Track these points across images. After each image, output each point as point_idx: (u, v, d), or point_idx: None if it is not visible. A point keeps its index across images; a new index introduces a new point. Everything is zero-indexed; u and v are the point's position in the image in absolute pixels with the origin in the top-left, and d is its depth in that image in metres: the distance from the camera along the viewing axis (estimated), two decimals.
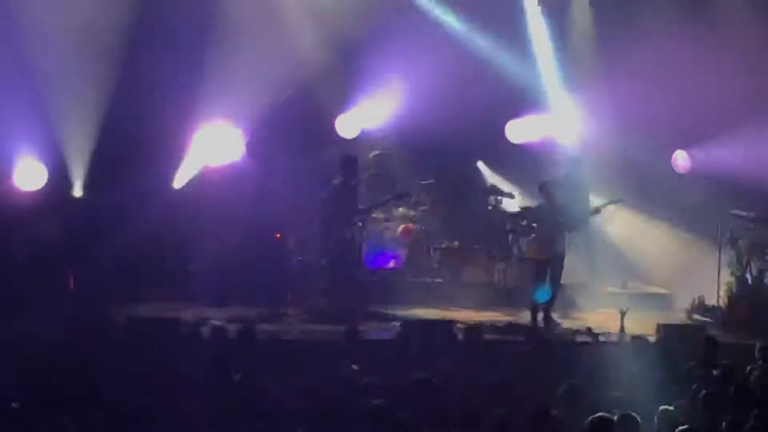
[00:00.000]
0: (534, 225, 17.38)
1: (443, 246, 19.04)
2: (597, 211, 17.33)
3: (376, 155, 19.15)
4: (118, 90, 17.48)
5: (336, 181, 17.12)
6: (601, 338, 15.32)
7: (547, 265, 16.75)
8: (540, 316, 16.52)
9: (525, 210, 18.33)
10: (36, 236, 17.23)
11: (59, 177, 17.72)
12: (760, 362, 12.51)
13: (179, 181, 18.42)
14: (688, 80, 18.55)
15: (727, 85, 18.53)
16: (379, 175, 18.88)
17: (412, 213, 19.07)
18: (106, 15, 17.01)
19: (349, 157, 17.48)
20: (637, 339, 13.84)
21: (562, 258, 16.85)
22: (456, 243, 19.08)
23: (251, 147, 18.51)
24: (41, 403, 10.12)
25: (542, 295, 16.36)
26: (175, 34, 17.53)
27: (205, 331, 14.24)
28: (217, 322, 15.22)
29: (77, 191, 17.91)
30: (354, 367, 11.63)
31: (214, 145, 18.50)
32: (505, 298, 18.12)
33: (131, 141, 17.70)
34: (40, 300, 16.03)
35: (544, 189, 17.00)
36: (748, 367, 12.31)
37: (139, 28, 17.31)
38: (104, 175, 17.76)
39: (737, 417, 9.91)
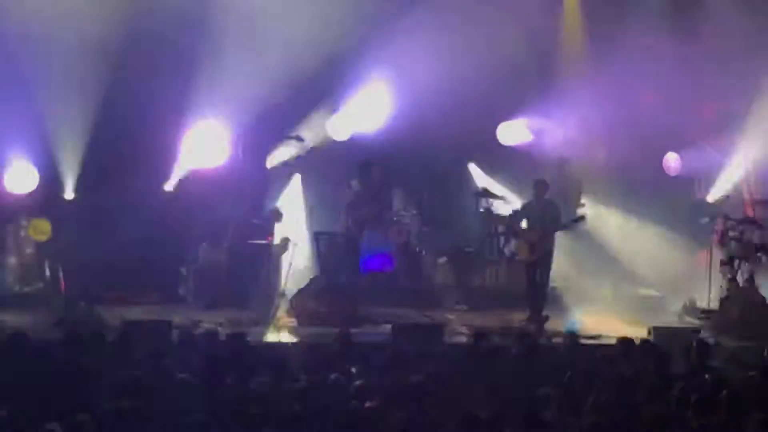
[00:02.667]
0: (523, 225, 17.39)
1: (434, 248, 19.06)
2: (565, 227, 17.36)
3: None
4: (108, 93, 17.46)
5: (355, 186, 17.28)
6: (590, 341, 15.44)
7: (537, 266, 16.84)
8: (532, 318, 16.57)
9: (516, 212, 18.35)
10: (27, 239, 17.24)
11: (50, 179, 17.70)
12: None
13: (170, 183, 18.40)
14: (677, 82, 18.62)
15: (717, 88, 18.59)
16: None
17: (404, 215, 19.09)
18: (96, 19, 16.97)
19: (367, 161, 17.91)
20: (628, 341, 13.81)
21: (550, 257, 16.90)
22: (448, 246, 19.10)
23: (241, 148, 18.52)
24: (31, 409, 10.08)
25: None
26: (165, 37, 17.50)
27: (197, 334, 14.21)
28: (209, 326, 15.24)
29: (68, 194, 17.88)
30: (352, 370, 11.63)
31: (204, 147, 18.47)
32: (496, 300, 18.13)
33: (122, 143, 17.72)
34: (32, 302, 16.02)
35: (535, 187, 17.12)
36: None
37: (129, 31, 17.26)
38: (95, 177, 17.75)
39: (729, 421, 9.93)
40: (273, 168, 19.19)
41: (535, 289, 17.18)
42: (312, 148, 19.31)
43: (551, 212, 17.22)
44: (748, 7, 18.98)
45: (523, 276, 17.67)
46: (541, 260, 17.02)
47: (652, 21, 19.34)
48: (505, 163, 19.92)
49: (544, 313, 16.87)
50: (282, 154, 19.18)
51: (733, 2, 19.19)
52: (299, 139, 18.93)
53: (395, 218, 18.88)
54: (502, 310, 17.44)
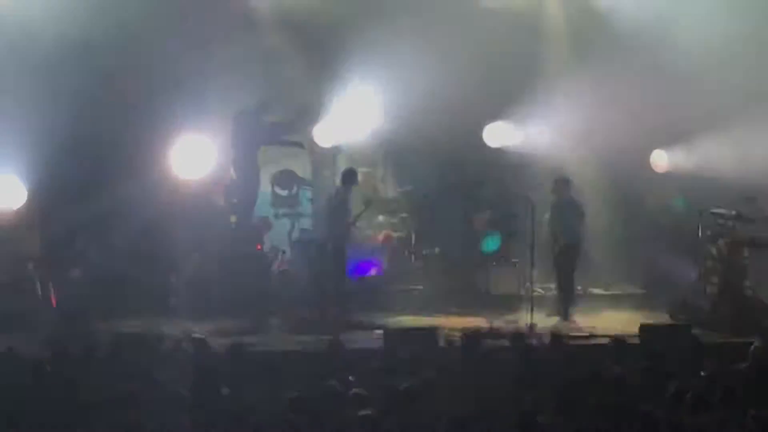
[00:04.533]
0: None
1: (423, 252, 19.06)
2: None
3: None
4: (95, 106, 17.43)
5: (340, 192, 17.27)
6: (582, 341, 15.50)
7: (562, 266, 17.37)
8: (527, 320, 16.61)
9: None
10: (17, 254, 17.19)
11: (39, 194, 17.64)
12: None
13: (159, 194, 18.35)
14: (666, 77, 18.65)
15: (704, 83, 18.62)
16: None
17: (392, 220, 19.09)
18: (84, 31, 16.95)
19: (350, 169, 17.85)
20: (621, 341, 13.82)
21: (575, 256, 17.45)
22: (437, 249, 19.10)
23: (232, 156, 18.53)
24: (25, 425, 10.06)
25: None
26: (151, 48, 17.46)
27: (188, 345, 14.18)
28: (201, 336, 15.19)
29: (56, 208, 17.82)
30: (351, 378, 11.61)
31: (192, 158, 18.44)
32: (487, 303, 18.13)
33: (110, 157, 17.67)
34: (23, 318, 15.97)
35: (556, 184, 17.53)
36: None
37: (117, 44, 17.24)
38: (84, 191, 17.69)
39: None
40: (270, 174, 19.17)
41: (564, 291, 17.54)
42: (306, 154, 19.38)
43: (573, 210, 17.38)
44: None
45: (513, 278, 17.76)
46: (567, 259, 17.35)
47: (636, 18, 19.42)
48: (494, 165, 19.93)
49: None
50: (279, 160, 19.19)
51: None
52: (299, 145, 18.96)
53: (384, 222, 18.88)
54: (493, 314, 17.39)
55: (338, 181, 17.98)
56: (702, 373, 11.66)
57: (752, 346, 12.64)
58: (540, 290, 18.21)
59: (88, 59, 17.11)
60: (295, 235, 18.97)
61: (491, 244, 19.21)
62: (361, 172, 18.71)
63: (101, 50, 17.11)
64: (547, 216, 17.94)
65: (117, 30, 17.18)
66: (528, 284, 17.73)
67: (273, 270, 18.07)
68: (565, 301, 17.59)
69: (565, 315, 17.40)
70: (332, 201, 17.76)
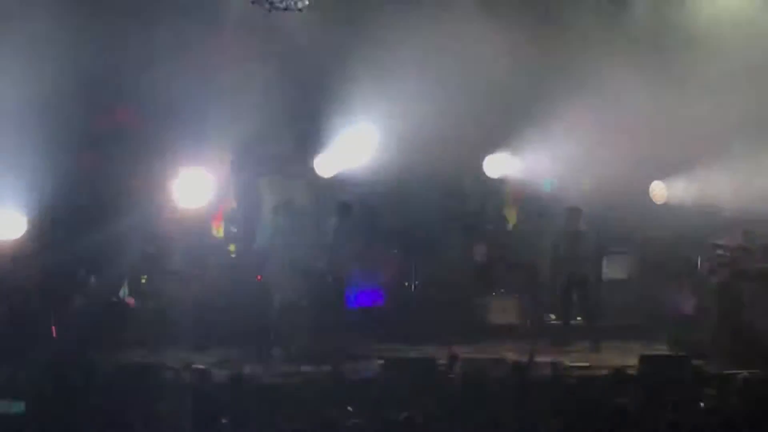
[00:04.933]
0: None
1: (424, 283, 19.08)
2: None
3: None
4: (95, 138, 17.50)
5: (338, 224, 17.29)
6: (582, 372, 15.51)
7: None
8: (525, 351, 16.58)
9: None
10: (17, 285, 17.19)
11: (39, 225, 17.67)
12: None
13: (158, 224, 18.38)
14: (666, 110, 18.75)
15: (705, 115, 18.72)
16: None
17: (392, 250, 19.13)
18: (83, 64, 17.02)
19: (345, 203, 17.92)
20: (621, 372, 13.82)
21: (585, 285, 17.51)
22: (437, 279, 19.12)
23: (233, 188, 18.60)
24: None
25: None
26: (150, 80, 17.52)
27: (189, 375, 14.19)
28: (201, 366, 15.20)
29: (57, 238, 17.85)
30: (349, 408, 11.62)
31: (192, 189, 18.49)
32: (487, 334, 18.13)
33: (111, 187, 17.72)
34: (24, 349, 15.96)
35: (567, 214, 17.65)
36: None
37: (116, 76, 17.31)
38: (83, 221, 17.73)
39: None
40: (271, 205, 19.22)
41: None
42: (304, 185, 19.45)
43: (584, 241, 17.48)
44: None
45: (513, 308, 17.82)
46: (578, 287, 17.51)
47: (636, 48, 19.53)
48: (493, 195, 20.01)
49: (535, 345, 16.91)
50: (279, 190, 19.24)
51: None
52: (295, 175, 19.02)
53: (385, 253, 18.91)
54: (493, 344, 17.39)
55: (336, 212, 17.99)
56: (701, 404, 11.66)
57: (742, 377, 12.65)
58: (542, 321, 18.24)
59: (87, 92, 17.17)
60: (295, 265, 18.96)
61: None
62: (360, 202, 18.80)
63: (100, 83, 17.17)
64: (555, 245, 18.05)
65: (116, 62, 17.23)
66: (529, 314, 17.76)
67: (273, 300, 18.07)
68: (588, 329, 17.82)
69: (594, 346, 17.55)
70: (330, 232, 17.81)
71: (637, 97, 18.78)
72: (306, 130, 19.49)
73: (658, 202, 20.11)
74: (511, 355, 16.49)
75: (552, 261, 18.37)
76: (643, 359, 15.24)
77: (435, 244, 19.69)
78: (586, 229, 18.13)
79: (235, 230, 19.00)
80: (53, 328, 16.87)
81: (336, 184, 19.71)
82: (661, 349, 17.40)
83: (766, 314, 17.24)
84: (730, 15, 19.58)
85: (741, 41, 18.99)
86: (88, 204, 17.82)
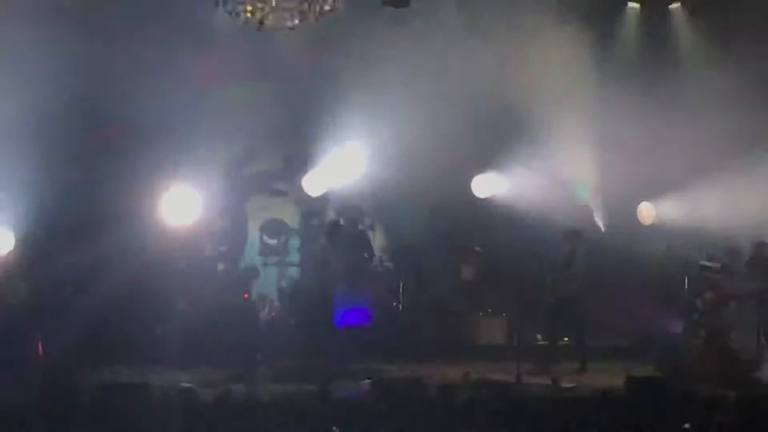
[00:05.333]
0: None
1: (411, 302, 19.09)
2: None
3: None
4: (84, 154, 17.51)
5: (326, 243, 17.35)
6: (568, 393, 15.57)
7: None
8: (514, 371, 16.62)
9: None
10: (2, 302, 17.15)
11: (26, 243, 17.66)
12: None
13: (145, 243, 18.36)
14: (653, 132, 18.85)
15: (692, 136, 18.83)
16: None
17: (380, 269, 19.15)
18: (74, 78, 17.04)
19: (334, 221, 18.02)
20: (608, 392, 13.82)
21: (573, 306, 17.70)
22: (425, 299, 19.15)
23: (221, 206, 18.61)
24: None
25: None
26: (140, 97, 17.52)
27: (176, 394, 14.18)
28: (188, 386, 15.18)
29: (44, 256, 17.84)
30: (334, 428, 11.61)
31: (179, 207, 18.49)
32: (474, 354, 18.13)
33: (98, 206, 17.72)
34: (9, 367, 15.92)
35: (565, 237, 17.77)
36: None
37: (105, 95, 17.31)
38: (70, 239, 17.73)
39: None
40: (259, 223, 19.26)
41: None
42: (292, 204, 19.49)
43: (580, 263, 17.66)
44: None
45: (500, 329, 17.91)
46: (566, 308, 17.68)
47: (622, 69, 19.64)
48: (481, 216, 20.05)
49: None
50: (268, 209, 19.28)
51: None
52: (282, 193, 19.04)
53: (372, 272, 18.92)
54: (481, 364, 17.37)
55: (324, 231, 18.01)
56: (686, 426, 11.67)
57: (728, 398, 12.69)
58: (528, 341, 18.27)
59: (75, 109, 17.18)
60: (283, 284, 19.01)
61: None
62: (348, 221, 18.85)
63: (89, 100, 17.18)
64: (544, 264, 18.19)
65: (104, 79, 17.24)
66: (516, 335, 17.78)
67: (261, 319, 18.06)
68: (579, 351, 17.85)
69: (581, 367, 17.62)
70: (319, 251, 17.84)
71: (624, 116, 18.86)
72: (294, 148, 19.53)
73: (646, 223, 20.18)
74: (497, 375, 16.54)
75: (540, 281, 18.42)
76: (630, 381, 15.28)
77: (423, 263, 19.73)
78: (575, 250, 18.17)
79: (223, 249, 18.97)
80: (39, 346, 16.84)
81: (324, 203, 19.72)
82: (648, 370, 17.44)
83: (752, 335, 17.32)
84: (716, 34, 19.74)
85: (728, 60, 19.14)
86: (74, 221, 17.80)
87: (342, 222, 18.63)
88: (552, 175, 19.59)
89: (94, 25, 17.51)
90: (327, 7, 13.61)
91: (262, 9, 13.44)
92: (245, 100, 17.84)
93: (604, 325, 19.12)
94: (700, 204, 19.32)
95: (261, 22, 13.58)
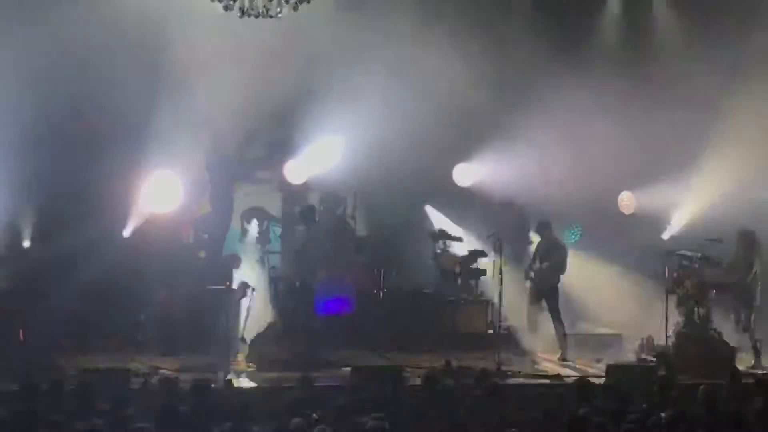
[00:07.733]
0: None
1: (392, 290, 19.12)
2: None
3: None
4: (64, 141, 17.47)
5: (304, 229, 17.30)
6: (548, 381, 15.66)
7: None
8: (495, 358, 16.68)
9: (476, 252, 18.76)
10: None
11: (6, 228, 17.63)
12: None
13: (127, 229, 18.35)
14: (632, 122, 18.93)
15: (671, 128, 18.91)
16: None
17: (361, 257, 19.16)
18: (53, 66, 16.97)
19: (308, 206, 17.92)
20: (587, 380, 13.88)
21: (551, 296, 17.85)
22: (405, 287, 19.18)
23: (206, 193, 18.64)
24: None
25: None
26: (121, 84, 17.48)
27: (156, 382, 14.19)
28: (168, 372, 15.21)
29: (25, 242, 17.83)
30: (314, 416, 11.62)
31: (160, 194, 18.46)
32: (455, 341, 18.17)
33: (78, 191, 17.70)
34: None
35: (537, 228, 18.03)
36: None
37: (86, 79, 17.24)
38: (52, 226, 17.71)
39: None
40: (240, 211, 19.24)
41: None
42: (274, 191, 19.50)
43: (554, 253, 17.86)
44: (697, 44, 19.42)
45: (480, 317, 18.02)
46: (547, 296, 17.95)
47: (604, 61, 19.70)
48: (462, 203, 20.10)
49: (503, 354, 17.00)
50: (249, 196, 19.28)
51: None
52: (264, 181, 19.07)
53: (353, 260, 18.93)
54: (461, 352, 17.40)
55: (304, 219, 17.97)
56: (662, 414, 11.72)
57: (701, 387, 12.75)
58: (508, 328, 18.33)
59: (56, 96, 17.12)
60: (264, 272, 18.98)
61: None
62: (329, 208, 18.88)
63: (70, 86, 17.12)
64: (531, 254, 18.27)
65: (86, 68, 17.18)
66: (496, 322, 17.83)
67: (241, 307, 18.04)
68: (559, 339, 17.90)
69: (563, 355, 17.71)
70: (298, 238, 17.85)
71: (605, 107, 18.92)
72: (276, 136, 19.51)
73: (626, 212, 20.26)
74: (478, 363, 16.58)
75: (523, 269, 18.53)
76: (610, 368, 15.36)
77: (403, 252, 19.76)
78: (555, 239, 18.28)
79: (205, 236, 18.98)
80: (21, 331, 16.82)
81: (305, 190, 19.71)
82: (629, 359, 17.52)
83: (729, 324, 17.42)
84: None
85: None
86: (57, 208, 17.78)
87: (323, 209, 18.66)
88: (528, 167, 19.64)
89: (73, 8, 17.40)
90: None
91: None
92: (226, 87, 17.79)
93: (584, 314, 19.24)
94: (680, 193, 19.40)
95: (242, 10, 13.56)
